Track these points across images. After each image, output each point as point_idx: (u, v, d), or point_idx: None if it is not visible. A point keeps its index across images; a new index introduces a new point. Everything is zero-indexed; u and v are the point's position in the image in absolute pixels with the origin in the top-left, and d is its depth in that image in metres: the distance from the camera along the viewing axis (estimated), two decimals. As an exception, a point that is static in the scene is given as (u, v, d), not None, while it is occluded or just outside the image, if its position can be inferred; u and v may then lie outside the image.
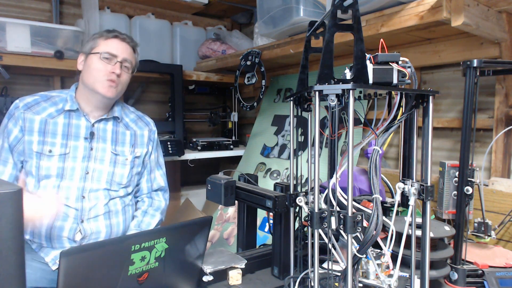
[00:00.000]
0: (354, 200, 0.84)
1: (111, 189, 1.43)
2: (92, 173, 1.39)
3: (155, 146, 1.61)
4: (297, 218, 1.13)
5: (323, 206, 0.87)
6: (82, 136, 1.40)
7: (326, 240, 0.87)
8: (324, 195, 0.87)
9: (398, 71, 0.88)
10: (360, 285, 0.97)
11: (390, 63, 0.88)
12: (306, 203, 1.00)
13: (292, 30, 1.92)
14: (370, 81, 0.86)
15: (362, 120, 1.04)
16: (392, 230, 0.90)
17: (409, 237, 0.92)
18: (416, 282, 0.95)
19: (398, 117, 0.94)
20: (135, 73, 2.39)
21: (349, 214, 0.79)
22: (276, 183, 1.22)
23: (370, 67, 0.86)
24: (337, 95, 0.80)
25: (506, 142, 1.56)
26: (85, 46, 1.45)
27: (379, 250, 1.06)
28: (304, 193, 1.04)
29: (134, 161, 1.49)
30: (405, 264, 1.02)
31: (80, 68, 1.44)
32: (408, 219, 0.92)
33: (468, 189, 1.16)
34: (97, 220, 1.38)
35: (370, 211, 0.83)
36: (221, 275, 1.14)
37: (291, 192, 1.08)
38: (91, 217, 1.37)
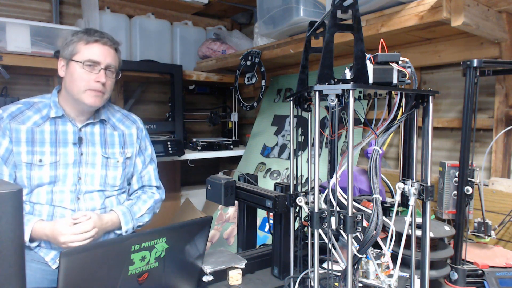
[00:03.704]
0: (354, 200, 0.84)
1: (105, 190, 1.42)
2: (85, 178, 1.38)
3: (149, 142, 1.59)
4: (297, 218, 1.13)
5: (323, 206, 0.87)
6: (70, 142, 1.37)
7: (326, 240, 0.87)
8: (324, 195, 0.87)
9: (398, 71, 0.88)
10: (360, 285, 0.97)
11: (390, 63, 0.88)
12: (306, 203, 1.00)
13: (292, 30, 1.92)
14: (370, 81, 0.86)
15: (362, 120, 1.04)
16: (392, 230, 0.90)
17: (409, 237, 0.92)
18: (416, 282, 0.95)
19: (398, 117, 0.94)
20: (135, 73, 2.43)
21: (349, 214, 0.79)
22: (276, 183, 1.22)
23: (370, 67, 0.86)
24: (337, 95, 0.80)
25: (506, 142, 1.56)
26: (64, 49, 1.36)
27: (379, 250, 1.06)
28: (304, 193, 1.04)
29: (126, 162, 1.48)
30: (405, 264, 1.02)
31: (61, 75, 1.38)
32: (408, 219, 0.92)
33: (468, 189, 1.16)
34: None
35: (370, 211, 0.83)
36: (221, 275, 1.14)
37: (291, 192, 1.08)
38: None
